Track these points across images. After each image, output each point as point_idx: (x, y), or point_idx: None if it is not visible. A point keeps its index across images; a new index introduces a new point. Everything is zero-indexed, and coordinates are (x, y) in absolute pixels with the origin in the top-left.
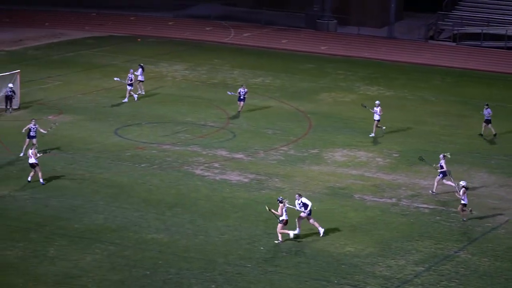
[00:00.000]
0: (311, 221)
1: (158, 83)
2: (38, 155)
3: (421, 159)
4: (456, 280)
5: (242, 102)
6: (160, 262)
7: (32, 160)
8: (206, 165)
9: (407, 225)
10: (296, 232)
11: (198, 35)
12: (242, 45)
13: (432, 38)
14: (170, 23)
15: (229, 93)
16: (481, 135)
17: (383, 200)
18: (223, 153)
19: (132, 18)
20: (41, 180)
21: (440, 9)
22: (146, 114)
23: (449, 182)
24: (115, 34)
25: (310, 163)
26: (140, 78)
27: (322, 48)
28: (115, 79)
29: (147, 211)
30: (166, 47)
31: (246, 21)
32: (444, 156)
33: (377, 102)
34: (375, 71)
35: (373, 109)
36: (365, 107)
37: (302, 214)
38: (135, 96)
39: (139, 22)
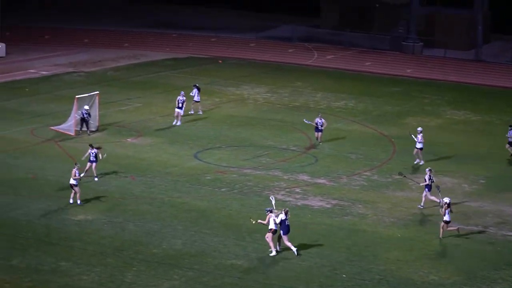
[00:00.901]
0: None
1: (239, 105)
2: (78, 176)
3: (400, 174)
4: None
5: (320, 133)
6: None
7: (71, 181)
8: (287, 190)
9: (493, 254)
10: (277, 249)
11: (280, 57)
12: (325, 67)
13: None
14: (251, 44)
15: (305, 121)
16: None
17: (469, 227)
18: (305, 178)
19: (212, 40)
20: (78, 201)
21: None
22: (227, 137)
23: (433, 197)
24: (196, 56)
25: (394, 188)
26: (195, 98)
27: (407, 71)
28: (179, 110)
29: (227, 236)
30: (247, 69)
31: (329, 43)
32: (430, 170)
33: (419, 129)
34: (461, 95)
35: (416, 137)
36: (411, 135)
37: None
38: (177, 122)
39: (220, 43)
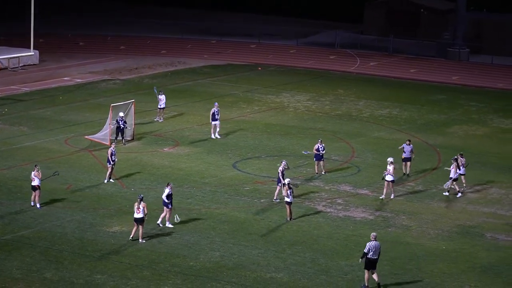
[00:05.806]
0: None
1: (279, 114)
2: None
3: (295, 185)
4: None
5: (321, 162)
6: None
7: (35, 183)
8: (328, 201)
9: None
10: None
11: (321, 63)
12: (368, 74)
13: None
14: (292, 51)
15: (304, 152)
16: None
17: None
18: (347, 188)
19: (252, 46)
20: (37, 205)
21: None
22: (267, 146)
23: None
24: (235, 63)
25: (439, 199)
26: (163, 105)
27: (454, 78)
28: (215, 122)
29: (266, 249)
30: (288, 76)
31: (373, 50)
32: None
33: (389, 159)
34: (509, 103)
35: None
36: (384, 177)
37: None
38: (216, 135)
39: (259, 50)
